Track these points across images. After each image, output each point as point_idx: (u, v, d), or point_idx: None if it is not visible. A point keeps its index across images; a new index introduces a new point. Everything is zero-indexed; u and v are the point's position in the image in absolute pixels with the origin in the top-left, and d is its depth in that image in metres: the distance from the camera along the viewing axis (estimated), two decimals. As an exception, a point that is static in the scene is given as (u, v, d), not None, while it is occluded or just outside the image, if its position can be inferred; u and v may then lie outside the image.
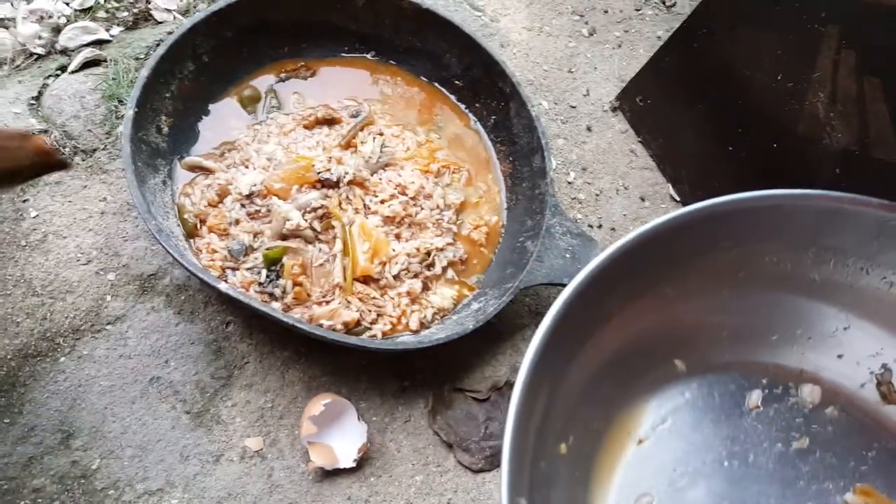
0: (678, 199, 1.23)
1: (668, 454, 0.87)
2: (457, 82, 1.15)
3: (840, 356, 0.90)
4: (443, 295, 1.02)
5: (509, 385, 1.00)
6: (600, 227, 1.16)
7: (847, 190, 0.93)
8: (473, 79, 1.13)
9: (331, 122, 1.08)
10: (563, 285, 0.98)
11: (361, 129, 1.08)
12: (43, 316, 0.91)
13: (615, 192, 1.20)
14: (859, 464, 0.87)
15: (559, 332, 0.75)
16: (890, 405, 0.89)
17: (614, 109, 1.28)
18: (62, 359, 0.90)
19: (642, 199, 1.21)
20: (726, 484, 0.85)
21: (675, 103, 1.19)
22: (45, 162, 0.74)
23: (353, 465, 0.90)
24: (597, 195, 1.19)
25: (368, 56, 1.15)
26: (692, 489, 0.85)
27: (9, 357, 0.88)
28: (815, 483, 0.86)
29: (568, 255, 0.99)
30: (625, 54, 1.34)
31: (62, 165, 0.78)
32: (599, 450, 0.85)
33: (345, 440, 0.91)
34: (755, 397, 0.90)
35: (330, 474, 0.90)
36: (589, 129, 1.24)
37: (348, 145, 1.06)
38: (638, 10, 1.41)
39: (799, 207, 0.84)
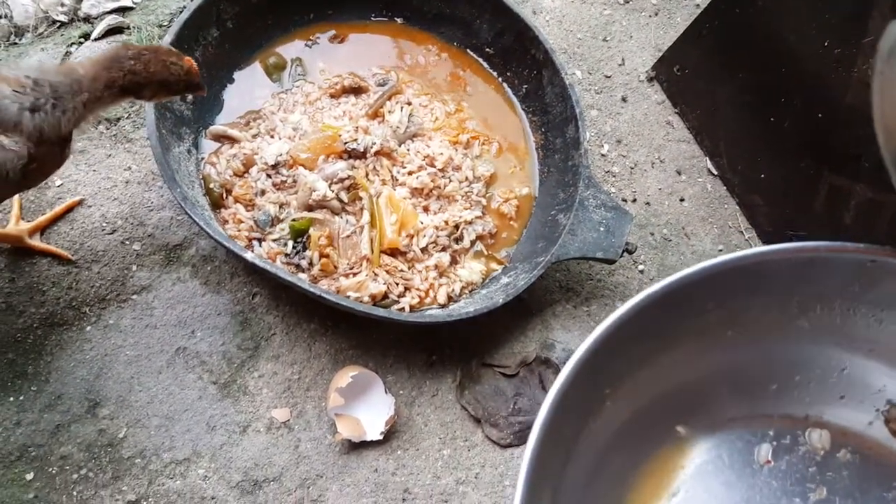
0: (716, 172, 1.19)
1: None
2: (488, 50, 1.11)
3: (842, 397, 0.89)
4: (471, 269, 0.99)
5: (539, 360, 0.98)
6: (635, 200, 1.12)
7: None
8: (505, 46, 1.09)
9: (358, 90, 1.06)
10: (596, 259, 0.97)
11: (389, 99, 1.05)
12: (69, 285, 0.90)
13: (650, 166, 1.16)
14: None
15: (553, 433, 0.73)
16: None
17: (650, 79, 1.23)
18: (88, 328, 0.89)
19: (678, 173, 1.17)
20: None
21: (714, 73, 1.15)
22: (190, 81, 0.80)
23: (381, 437, 0.88)
24: (631, 168, 1.15)
25: (398, 21, 1.12)
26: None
27: (35, 325, 0.88)
28: None
29: (602, 229, 0.96)
30: (661, 23, 1.29)
31: (200, 89, 0.83)
32: None
33: (372, 413, 0.90)
34: (764, 451, 0.88)
35: (357, 446, 0.89)
36: (624, 99, 1.20)
37: (375, 115, 1.03)
38: (675, -24, 1.35)
39: (777, 262, 0.85)
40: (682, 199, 1.15)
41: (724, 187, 1.18)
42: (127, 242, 0.93)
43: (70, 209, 0.93)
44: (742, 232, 1.16)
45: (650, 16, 1.30)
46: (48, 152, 0.72)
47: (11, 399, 0.85)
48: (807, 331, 0.87)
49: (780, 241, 0.88)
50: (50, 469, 0.83)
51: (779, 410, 0.90)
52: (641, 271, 1.08)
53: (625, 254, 0.96)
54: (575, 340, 1.01)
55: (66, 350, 0.88)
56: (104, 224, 0.93)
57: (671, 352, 0.84)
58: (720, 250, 1.13)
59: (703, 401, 0.88)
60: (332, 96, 1.04)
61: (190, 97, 0.96)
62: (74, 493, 0.82)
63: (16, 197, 0.90)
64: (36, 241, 0.90)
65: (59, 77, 0.71)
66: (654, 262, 1.09)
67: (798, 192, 1.06)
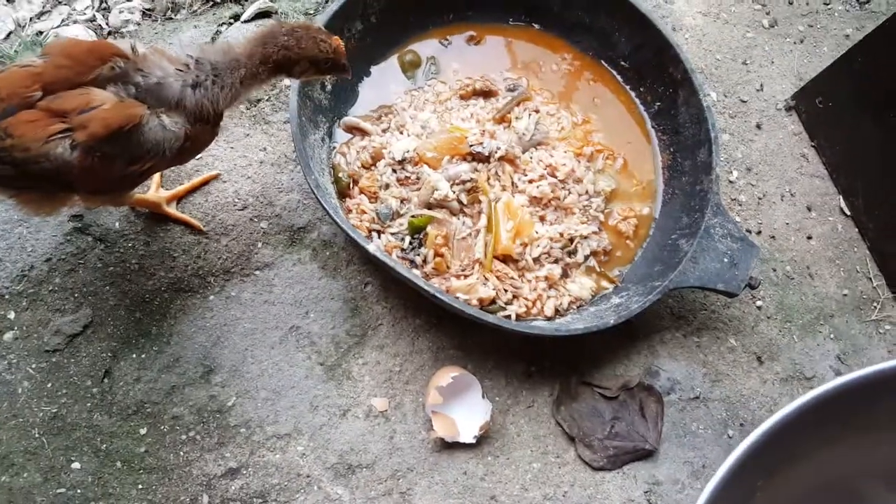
0: (849, 213, 1.12)
1: None
2: (623, 63, 1.09)
3: None
4: (581, 284, 0.98)
5: (641, 386, 0.95)
6: (759, 233, 1.07)
7: None
8: (642, 61, 1.06)
9: (487, 94, 1.06)
10: (716, 291, 0.93)
11: (517, 105, 1.05)
12: (198, 254, 0.95)
13: (780, 198, 1.10)
14: None
15: None
16: None
17: (789, 109, 1.17)
18: (211, 297, 0.94)
19: (808, 209, 1.10)
20: None
21: (862, 108, 1.08)
22: (337, 61, 0.81)
23: (474, 441, 0.88)
24: (759, 198, 1.09)
25: (535, 27, 1.11)
26: None
27: (163, 289, 0.93)
28: None
29: (726, 260, 0.92)
30: (806, 51, 1.23)
31: (345, 70, 0.84)
32: None
33: (467, 415, 0.90)
34: None
35: (449, 446, 0.90)
36: (759, 126, 1.15)
37: (502, 120, 1.03)
38: (827, 4, 1.28)
39: None
40: (809, 237, 1.09)
41: (857, 229, 1.11)
42: (255, 220, 0.97)
43: (206, 182, 0.98)
44: (871, 279, 1.09)
45: (795, 42, 1.23)
46: (201, 131, 0.75)
47: (134, 356, 0.90)
48: None
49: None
50: (162, 427, 0.88)
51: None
52: (759, 308, 1.03)
53: (746, 288, 0.92)
54: (682, 370, 0.97)
55: (189, 316, 0.92)
56: (236, 200, 0.98)
57: (834, 447, 0.76)
58: (844, 295, 1.07)
59: (860, 497, 0.80)
60: (461, 97, 1.05)
61: (329, 87, 0.98)
62: (181, 454, 0.87)
63: (160, 166, 0.96)
64: (172, 209, 0.95)
65: (218, 55, 0.74)
66: (774, 300, 1.04)
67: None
